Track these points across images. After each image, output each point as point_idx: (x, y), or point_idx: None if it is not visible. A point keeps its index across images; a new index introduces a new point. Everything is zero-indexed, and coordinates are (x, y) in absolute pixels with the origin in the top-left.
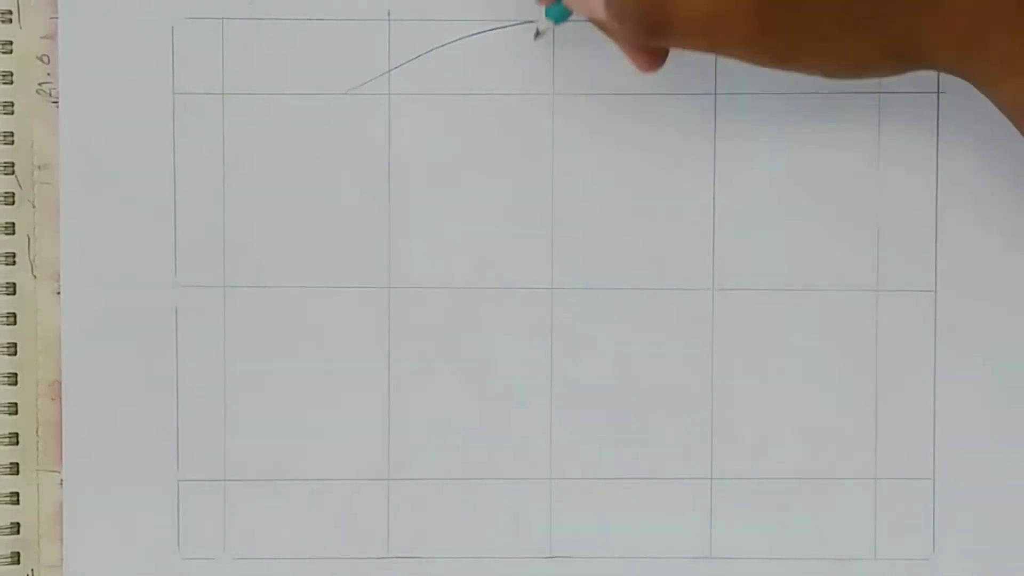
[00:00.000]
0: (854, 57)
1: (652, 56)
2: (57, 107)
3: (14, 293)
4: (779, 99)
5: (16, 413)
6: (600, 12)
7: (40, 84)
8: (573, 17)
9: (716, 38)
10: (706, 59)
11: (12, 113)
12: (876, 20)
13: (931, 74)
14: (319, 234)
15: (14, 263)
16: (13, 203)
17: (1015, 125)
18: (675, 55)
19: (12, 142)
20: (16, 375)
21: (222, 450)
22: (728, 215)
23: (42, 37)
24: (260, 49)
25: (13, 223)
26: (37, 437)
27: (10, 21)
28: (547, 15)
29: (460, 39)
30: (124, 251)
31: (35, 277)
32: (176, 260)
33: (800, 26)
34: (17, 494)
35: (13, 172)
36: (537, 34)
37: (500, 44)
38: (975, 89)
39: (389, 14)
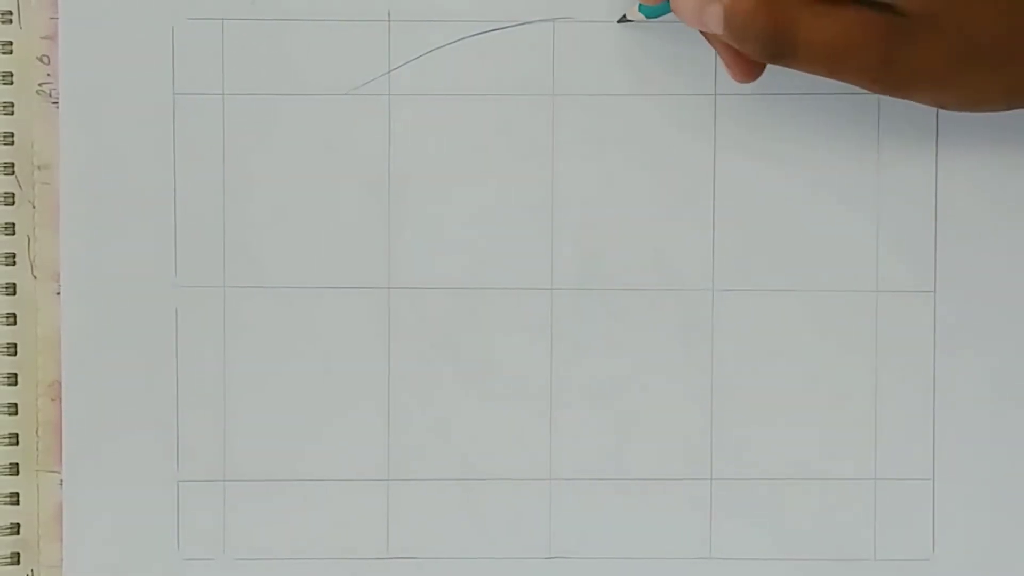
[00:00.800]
0: (973, 94)
1: (752, 68)
2: (57, 107)
3: (14, 293)
4: (779, 100)
5: (16, 413)
6: (716, 28)
7: (40, 84)
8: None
9: (837, 67)
10: (706, 59)
11: (12, 114)
12: (999, 62)
13: None
14: (319, 234)
15: (14, 263)
16: (13, 203)
17: None
18: (675, 55)
19: (12, 142)
20: (16, 375)
21: (222, 450)
22: (728, 215)
23: (42, 37)
24: (260, 49)
25: (13, 223)
26: (37, 437)
27: (10, 22)
28: (640, 10)
29: (460, 40)
30: (124, 251)
31: (35, 277)
32: (176, 260)
33: (921, 62)
34: (17, 494)
35: (13, 172)
36: (623, 19)
37: (500, 44)
38: None
39: (389, 15)
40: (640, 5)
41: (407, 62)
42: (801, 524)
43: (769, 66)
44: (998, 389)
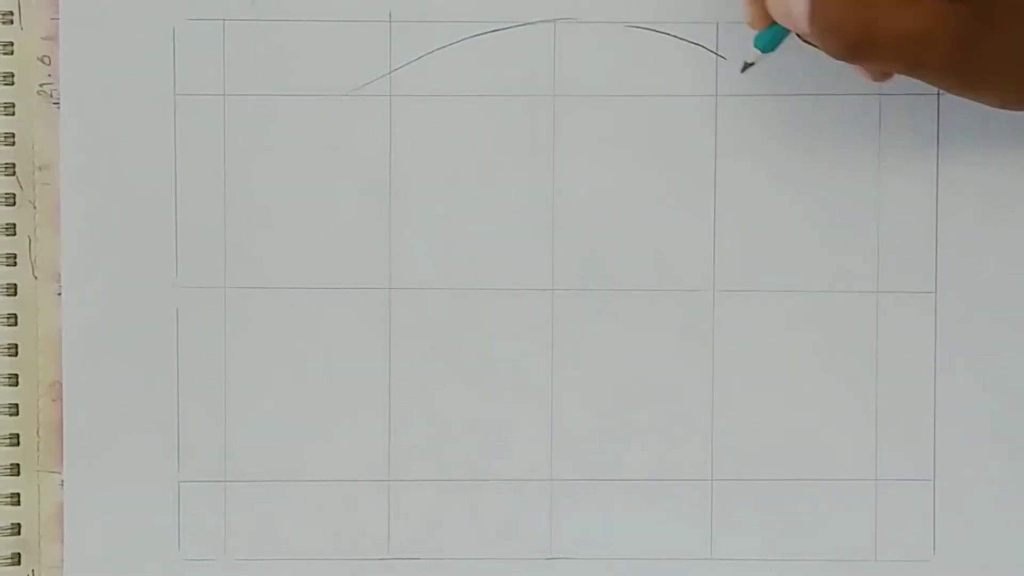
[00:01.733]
0: None
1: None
2: (58, 108)
3: (15, 294)
4: (779, 100)
5: (17, 414)
6: (803, 25)
7: (41, 85)
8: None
9: (915, 59)
10: (706, 59)
11: (13, 114)
12: None
13: None
14: (319, 235)
15: (15, 264)
16: (14, 204)
17: None
18: (676, 55)
19: (13, 143)
20: (17, 376)
21: (222, 450)
22: (728, 215)
23: (43, 38)
24: (261, 50)
25: (14, 224)
26: (38, 438)
27: (11, 22)
28: (755, 44)
29: (461, 40)
30: (124, 252)
31: (36, 278)
32: (176, 261)
33: (996, 50)
34: (18, 495)
35: (14, 173)
36: (745, 66)
37: (501, 44)
38: None
39: (390, 15)
40: (754, 39)
41: (408, 63)
42: (801, 524)
43: (769, 66)
44: (998, 389)
